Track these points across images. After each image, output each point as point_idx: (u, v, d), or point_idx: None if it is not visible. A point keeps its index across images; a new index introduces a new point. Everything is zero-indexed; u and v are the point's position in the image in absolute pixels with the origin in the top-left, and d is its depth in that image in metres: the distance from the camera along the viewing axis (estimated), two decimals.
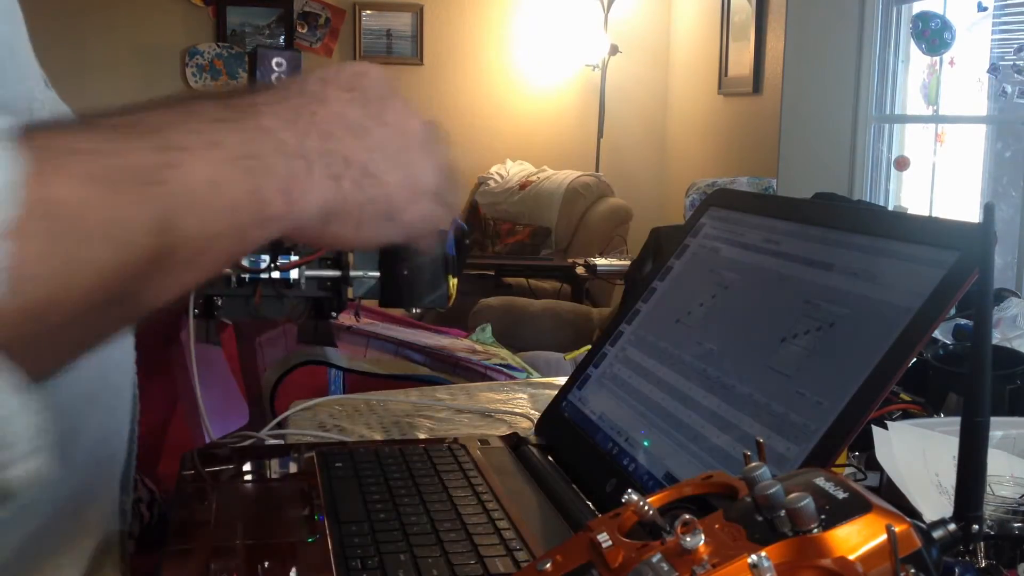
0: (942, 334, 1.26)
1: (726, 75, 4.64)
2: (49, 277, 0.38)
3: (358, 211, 0.51)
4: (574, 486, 0.82)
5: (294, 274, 1.14)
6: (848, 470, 0.85)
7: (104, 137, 0.43)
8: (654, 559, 0.41)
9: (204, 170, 0.45)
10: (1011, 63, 3.09)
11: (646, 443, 0.77)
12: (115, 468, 0.75)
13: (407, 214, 0.54)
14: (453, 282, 1.15)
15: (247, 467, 0.89)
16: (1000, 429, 0.81)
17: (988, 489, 0.61)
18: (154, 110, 0.46)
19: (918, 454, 0.76)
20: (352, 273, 1.15)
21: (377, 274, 1.16)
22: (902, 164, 3.63)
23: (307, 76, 0.53)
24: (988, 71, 3.21)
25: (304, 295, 1.15)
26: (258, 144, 0.48)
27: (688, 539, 0.39)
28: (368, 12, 5.19)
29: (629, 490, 0.44)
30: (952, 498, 0.43)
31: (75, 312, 0.40)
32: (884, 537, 0.38)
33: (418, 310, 1.20)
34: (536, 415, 1.06)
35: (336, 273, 1.15)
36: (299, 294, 1.15)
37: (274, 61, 1.11)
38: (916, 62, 3.71)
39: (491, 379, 1.55)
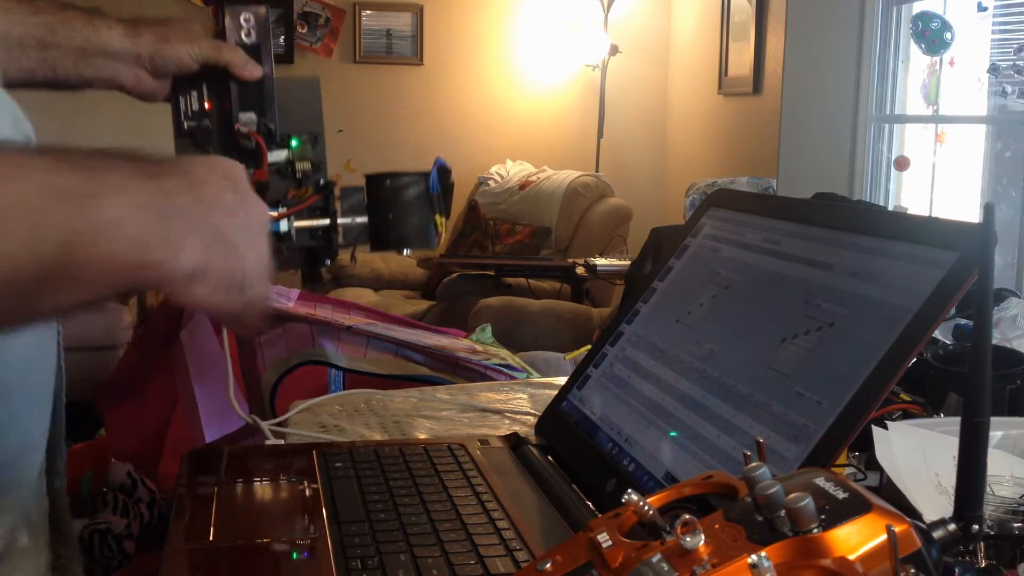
0: (942, 334, 1.26)
1: (726, 75, 4.64)
2: None
3: (216, 277, 0.60)
4: (574, 486, 0.82)
5: (283, 226, 1.15)
6: (848, 470, 0.85)
7: (47, 160, 0.55)
8: (654, 559, 0.41)
9: (114, 208, 0.55)
10: (1011, 63, 3.09)
11: (673, 433, 0.77)
12: (33, 456, 0.76)
13: (254, 290, 0.63)
14: (440, 220, 1.17)
15: (247, 467, 0.89)
16: (1000, 429, 0.81)
17: (988, 489, 0.61)
18: (89, 154, 0.57)
19: (918, 454, 0.76)
20: (340, 220, 1.16)
21: (365, 219, 1.18)
22: (902, 164, 3.63)
23: (195, 160, 0.65)
24: (988, 71, 3.21)
25: (296, 245, 1.18)
26: (158, 201, 0.58)
27: (688, 539, 0.39)
28: (368, 12, 5.19)
29: (629, 490, 0.44)
30: (952, 498, 0.43)
31: None
32: (884, 537, 0.38)
33: (408, 252, 1.23)
34: (536, 415, 1.06)
35: (325, 221, 1.16)
36: (291, 245, 1.17)
37: (242, 17, 1.11)
38: (916, 62, 3.71)
39: (491, 379, 1.55)
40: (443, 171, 1.18)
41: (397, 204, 1.17)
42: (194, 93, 1.10)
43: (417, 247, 1.21)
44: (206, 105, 1.11)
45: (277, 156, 1.14)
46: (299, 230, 1.17)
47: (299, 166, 1.16)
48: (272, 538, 0.73)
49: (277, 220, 1.14)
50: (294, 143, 1.16)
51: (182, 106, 1.11)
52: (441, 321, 3.72)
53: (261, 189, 1.13)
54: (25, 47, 0.94)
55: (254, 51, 1.10)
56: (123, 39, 0.99)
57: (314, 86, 1.21)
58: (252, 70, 1.08)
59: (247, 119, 1.10)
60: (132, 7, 4.89)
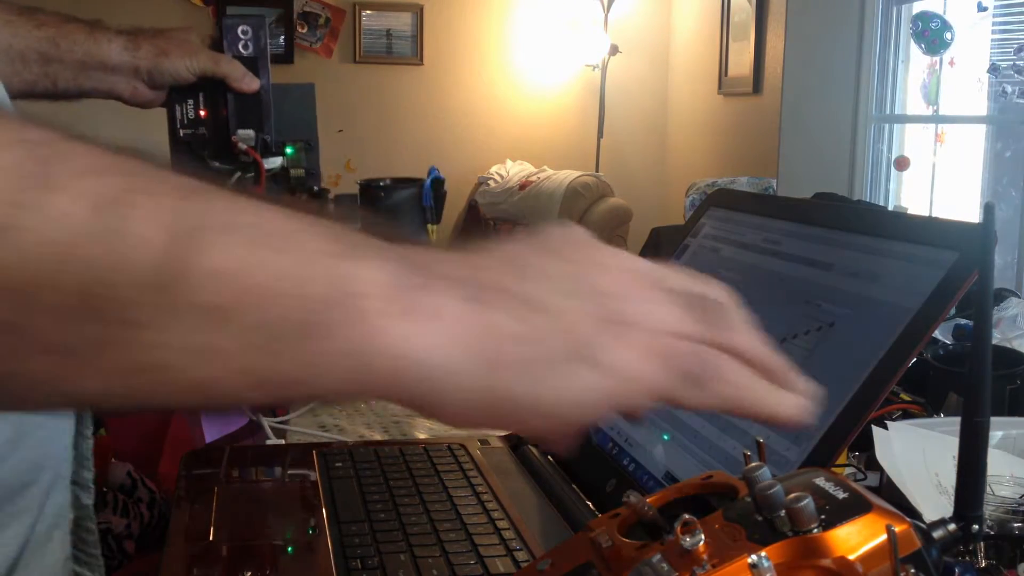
0: (942, 334, 1.26)
1: (726, 75, 4.64)
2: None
3: (529, 352, 0.36)
4: (574, 486, 0.82)
5: None
6: (848, 470, 0.85)
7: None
8: (654, 559, 0.41)
9: (268, 218, 0.34)
10: (1011, 63, 3.09)
11: (665, 437, 0.77)
12: (60, 467, 0.75)
13: (613, 352, 0.37)
14: (432, 229, 1.20)
15: (247, 467, 0.89)
16: (1000, 429, 0.81)
17: (988, 489, 0.61)
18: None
19: (918, 454, 0.76)
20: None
21: (358, 227, 1.22)
22: (902, 164, 3.63)
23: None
24: (988, 71, 3.21)
25: None
26: (358, 241, 0.36)
27: (688, 539, 0.39)
28: (368, 12, 5.19)
29: (629, 490, 0.44)
30: (952, 498, 0.43)
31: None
32: (884, 537, 0.38)
33: None
34: None
35: None
36: None
37: (240, 29, 1.12)
38: (916, 62, 3.71)
39: None
40: (436, 182, 1.21)
41: (389, 214, 1.19)
42: (190, 102, 1.11)
43: None
44: (202, 113, 1.11)
45: (272, 163, 1.15)
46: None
47: (293, 173, 1.18)
48: (272, 538, 0.73)
49: None
50: (289, 151, 1.18)
51: (178, 115, 1.11)
52: None
53: None
54: (28, 60, 0.94)
55: (251, 63, 1.11)
56: (123, 52, 1.00)
57: (309, 92, 1.23)
58: (249, 83, 1.09)
59: (245, 136, 1.11)
60: (132, 7, 4.89)
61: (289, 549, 0.72)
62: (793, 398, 0.41)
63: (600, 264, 0.40)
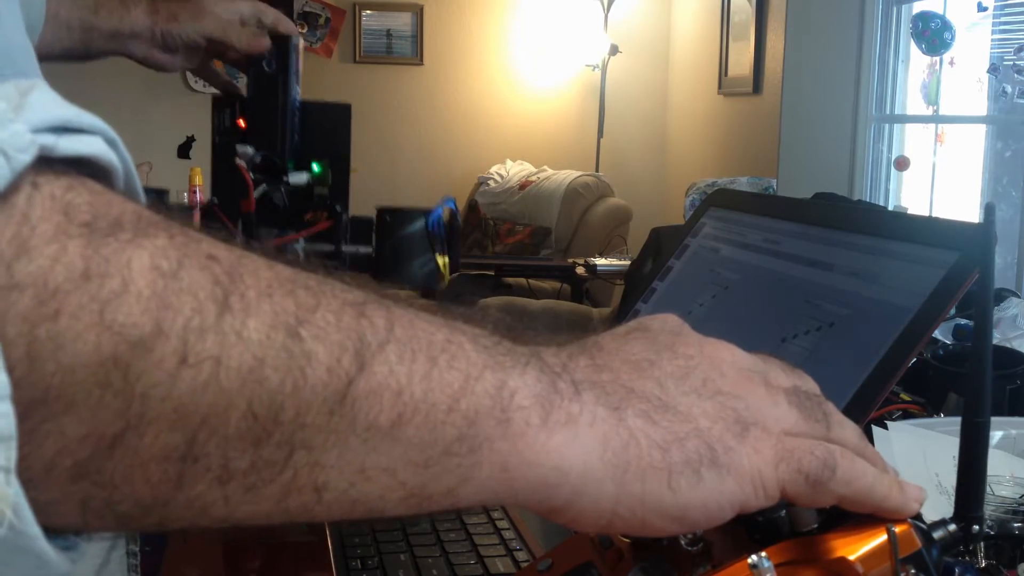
0: (942, 334, 1.26)
1: (726, 75, 4.64)
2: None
3: (662, 457, 0.36)
4: None
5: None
6: None
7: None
8: (654, 559, 0.41)
9: (423, 327, 0.34)
10: (1011, 63, 3.10)
11: None
12: None
13: (741, 455, 0.37)
14: (443, 261, 1.20)
15: None
16: (1000, 429, 0.81)
17: (988, 489, 0.61)
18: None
19: (918, 454, 0.76)
20: (345, 248, 1.20)
21: (370, 249, 1.21)
22: (902, 164, 3.63)
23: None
24: (988, 71, 3.21)
25: None
26: (501, 348, 0.36)
27: (688, 539, 0.39)
28: (368, 12, 5.19)
29: None
30: (952, 498, 0.43)
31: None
32: (884, 537, 0.38)
33: (409, 288, 1.26)
34: None
35: (330, 247, 1.20)
36: None
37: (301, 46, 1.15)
38: (916, 62, 3.71)
39: None
40: (449, 213, 1.23)
41: (396, 239, 1.20)
42: (227, 111, 1.14)
43: (416, 286, 1.24)
44: (240, 123, 1.15)
45: (297, 179, 1.17)
46: (305, 253, 1.19)
47: (317, 191, 1.20)
48: (272, 538, 0.73)
49: (284, 244, 1.17)
50: (316, 168, 1.20)
51: (215, 122, 1.15)
52: None
53: (249, 219, 1.16)
54: (71, 28, 0.98)
55: (271, 81, 1.13)
56: (145, 18, 1.03)
57: (344, 112, 1.25)
58: (257, 45, 1.12)
59: (243, 151, 1.12)
60: None
61: (289, 549, 0.72)
62: (909, 489, 0.41)
63: (711, 358, 0.41)
